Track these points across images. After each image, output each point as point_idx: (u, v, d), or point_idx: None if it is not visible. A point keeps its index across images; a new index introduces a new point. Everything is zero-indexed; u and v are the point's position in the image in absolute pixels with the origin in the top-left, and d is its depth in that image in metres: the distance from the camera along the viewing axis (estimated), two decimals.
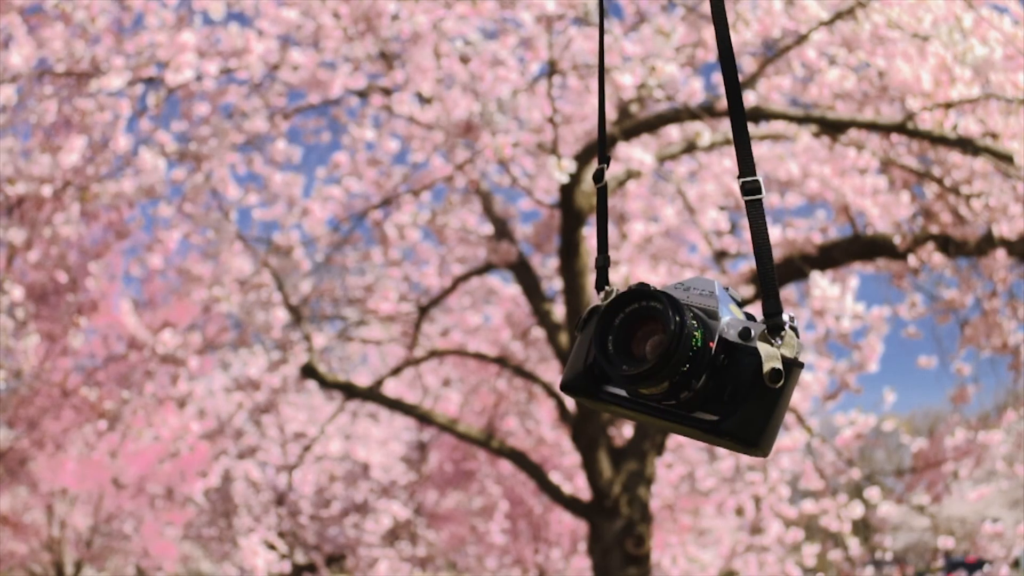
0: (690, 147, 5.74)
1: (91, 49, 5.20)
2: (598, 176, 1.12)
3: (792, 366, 0.96)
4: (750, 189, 1.01)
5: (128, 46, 5.23)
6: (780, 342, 0.96)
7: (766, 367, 0.94)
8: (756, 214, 1.00)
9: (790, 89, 5.92)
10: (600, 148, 1.12)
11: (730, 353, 0.95)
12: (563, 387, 1.05)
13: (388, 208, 6.92)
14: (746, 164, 1.01)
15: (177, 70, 5.22)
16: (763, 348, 0.95)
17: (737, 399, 0.95)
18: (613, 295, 1.02)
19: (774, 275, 0.98)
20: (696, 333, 0.94)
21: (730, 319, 0.97)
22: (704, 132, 5.38)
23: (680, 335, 0.93)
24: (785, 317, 0.97)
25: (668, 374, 0.94)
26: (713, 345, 0.95)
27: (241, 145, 6.24)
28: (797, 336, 0.97)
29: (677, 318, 0.93)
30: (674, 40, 5.03)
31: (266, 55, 5.53)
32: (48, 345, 7.76)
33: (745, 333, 0.96)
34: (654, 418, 0.99)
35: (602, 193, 1.12)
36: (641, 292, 0.97)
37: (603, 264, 1.08)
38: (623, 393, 1.00)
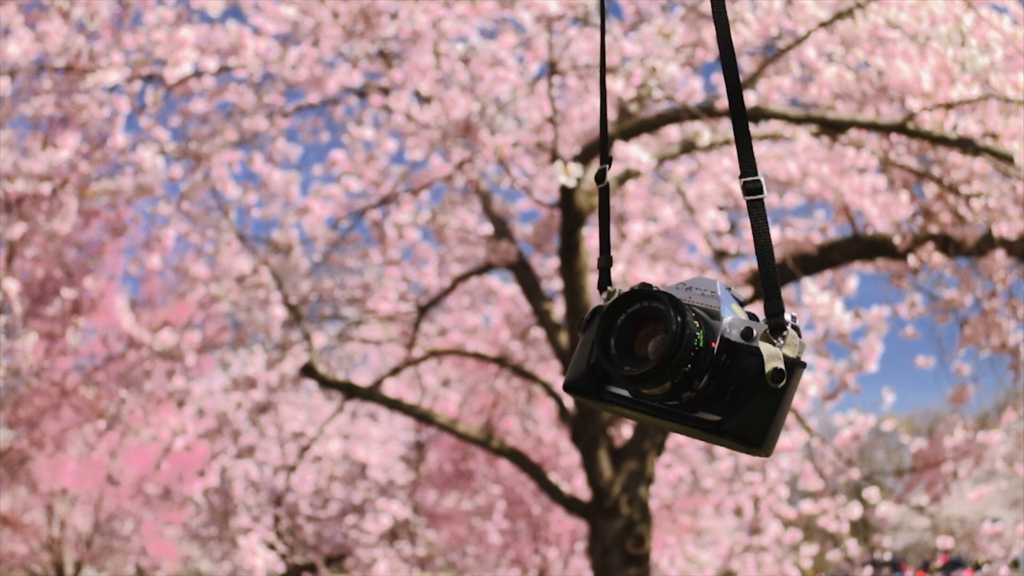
0: (688, 147, 5.74)
1: (90, 44, 5.20)
2: (600, 176, 1.12)
3: (795, 366, 0.96)
4: (752, 189, 1.00)
5: (127, 42, 5.23)
6: (782, 342, 0.95)
7: (768, 367, 0.94)
8: (758, 214, 1.00)
9: (790, 89, 5.92)
10: (602, 148, 1.12)
11: (732, 353, 0.95)
12: (566, 388, 1.05)
13: (387, 207, 6.91)
14: (747, 164, 1.01)
15: (175, 65, 5.22)
16: (765, 348, 0.95)
17: (740, 399, 0.95)
18: (615, 295, 1.02)
19: (776, 275, 0.98)
20: (698, 333, 0.94)
21: (732, 319, 0.97)
22: (703, 132, 5.38)
23: (682, 335, 0.93)
24: (787, 317, 0.96)
25: (670, 374, 0.93)
26: (715, 345, 0.95)
27: (240, 143, 6.24)
28: (799, 336, 0.97)
29: (679, 318, 0.93)
30: (674, 40, 5.03)
31: (265, 53, 5.53)
32: (47, 344, 7.75)
33: (747, 333, 0.95)
34: (657, 418, 0.99)
35: (604, 193, 1.12)
36: (643, 292, 0.97)
37: (605, 264, 1.08)
38: (626, 393, 1.00)
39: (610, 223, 1.13)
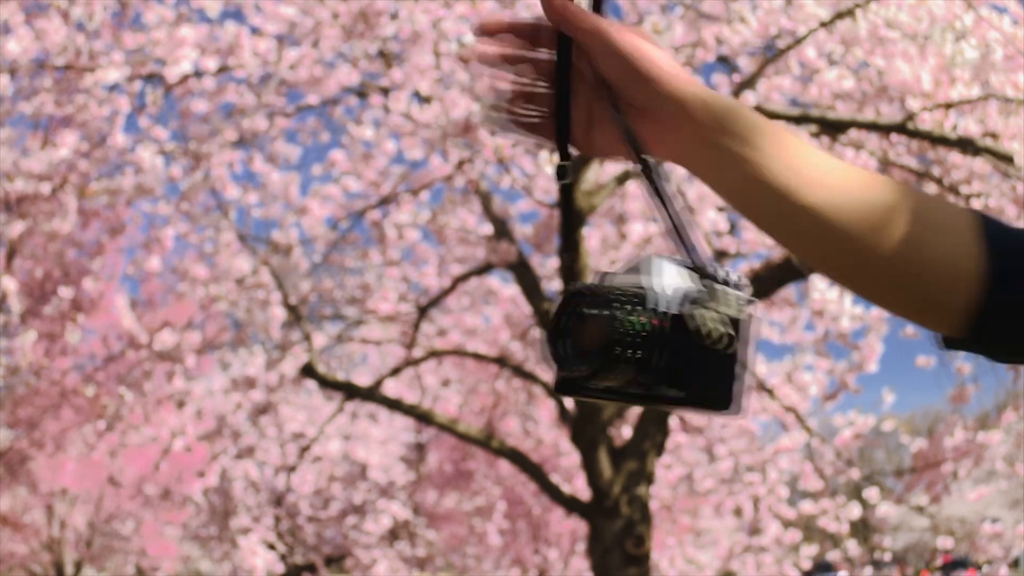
0: None
1: (90, 43, 5.20)
2: (561, 173, 1.11)
3: (737, 322, 0.96)
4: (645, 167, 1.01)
5: (127, 41, 5.23)
6: (718, 302, 0.95)
7: (708, 331, 0.94)
8: (654, 183, 1.00)
9: (790, 89, 5.92)
10: (560, 144, 1.10)
11: (674, 325, 0.95)
12: (557, 388, 1.05)
13: (387, 208, 6.91)
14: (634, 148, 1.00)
15: (175, 64, 5.22)
16: (703, 313, 0.95)
17: (693, 369, 0.94)
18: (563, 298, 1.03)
19: (689, 237, 0.98)
20: (632, 318, 0.94)
21: (667, 291, 0.97)
22: None
23: (613, 327, 0.93)
24: (719, 273, 0.96)
25: (619, 364, 0.94)
26: (657, 322, 0.95)
27: (240, 144, 6.24)
28: (738, 288, 0.97)
29: (605, 312, 0.93)
30: (668, 39, 5.03)
31: (264, 53, 5.53)
32: (47, 344, 7.75)
33: (683, 301, 0.95)
34: (635, 402, 1.00)
35: (566, 191, 1.11)
36: (572, 292, 0.97)
37: (569, 263, 1.08)
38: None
39: (573, 220, 1.13)
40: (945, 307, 0.93)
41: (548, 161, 4.99)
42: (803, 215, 0.95)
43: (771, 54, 5.66)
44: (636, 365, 0.93)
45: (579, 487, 7.92)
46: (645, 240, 7.08)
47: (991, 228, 0.93)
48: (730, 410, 0.95)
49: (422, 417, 7.09)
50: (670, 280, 0.96)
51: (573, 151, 1.04)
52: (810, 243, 0.97)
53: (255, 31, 5.64)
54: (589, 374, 0.95)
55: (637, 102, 0.95)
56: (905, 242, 0.93)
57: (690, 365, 0.94)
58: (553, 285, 7.35)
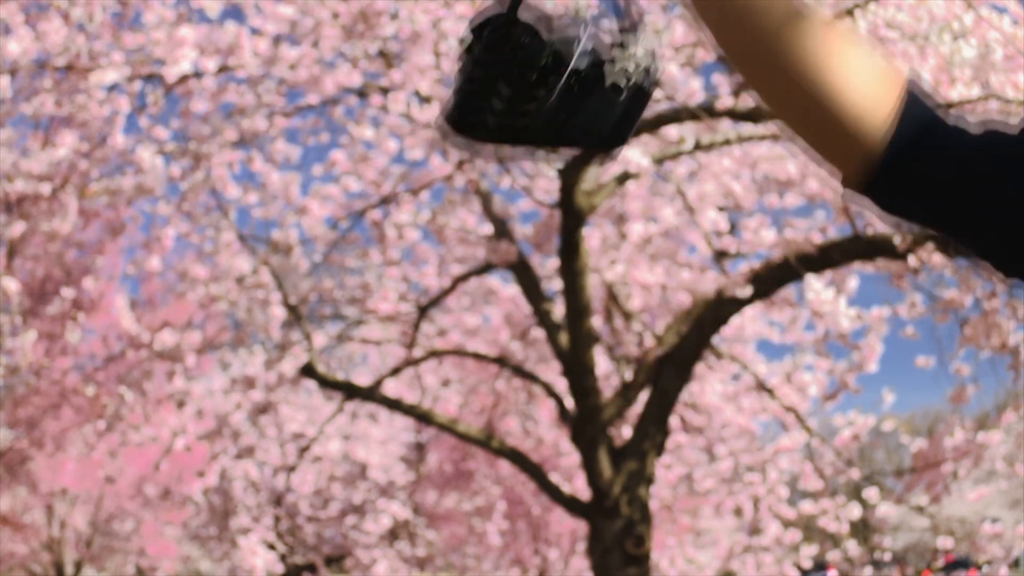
0: (678, 152, 5.75)
1: (89, 44, 5.20)
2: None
3: (641, 90, 0.99)
4: None
5: (127, 41, 5.23)
6: (632, 67, 0.98)
7: (608, 80, 0.97)
8: None
9: None
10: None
11: (592, 68, 0.98)
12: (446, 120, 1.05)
13: (387, 207, 6.91)
14: None
15: (175, 63, 5.22)
16: (612, 68, 0.98)
17: (589, 108, 0.99)
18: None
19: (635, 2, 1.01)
20: (561, 50, 0.96)
21: (596, 41, 0.99)
22: (688, 136, 5.39)
23: (545, 51, 0.96)
24: (646, 46, 0.99)
25: (535, 88, 0.96)
26: (577, 58, 0.97)
27: (240, 144, 6.24)
28: (653, 62, 0.99)
29: (542, 37, 0.96)
30: (668, 39, 5.03)
31: (264, 53, 5.53)
32: (47, 344, 7.76)
33: (604, 53, 0.98)
34: (518, 136, 1.02)
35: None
36: (512, 9, 0.99)
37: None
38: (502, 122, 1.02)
39: None
40: (846, 152, 0.96)
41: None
42: (746, 16, 0.97)
43: None
44: (547, 91, 0.97)
45: (579, 487, 7.92)
46: (645, 240, 7.08)
47: (912, 96, 0.96)
48: (612, 147, 1.02)
49: (422, 417, 7.09)
50: (602, 35, 1.00)
51: None
52: (741, 38, 0.99)
53: (255, 31, 5.65)
54: (499, 91, 0.97)
55: None
56: (828, 72, 0.94)
57: (586, 104, 0.99)
58: (553, 285, 7.35)
